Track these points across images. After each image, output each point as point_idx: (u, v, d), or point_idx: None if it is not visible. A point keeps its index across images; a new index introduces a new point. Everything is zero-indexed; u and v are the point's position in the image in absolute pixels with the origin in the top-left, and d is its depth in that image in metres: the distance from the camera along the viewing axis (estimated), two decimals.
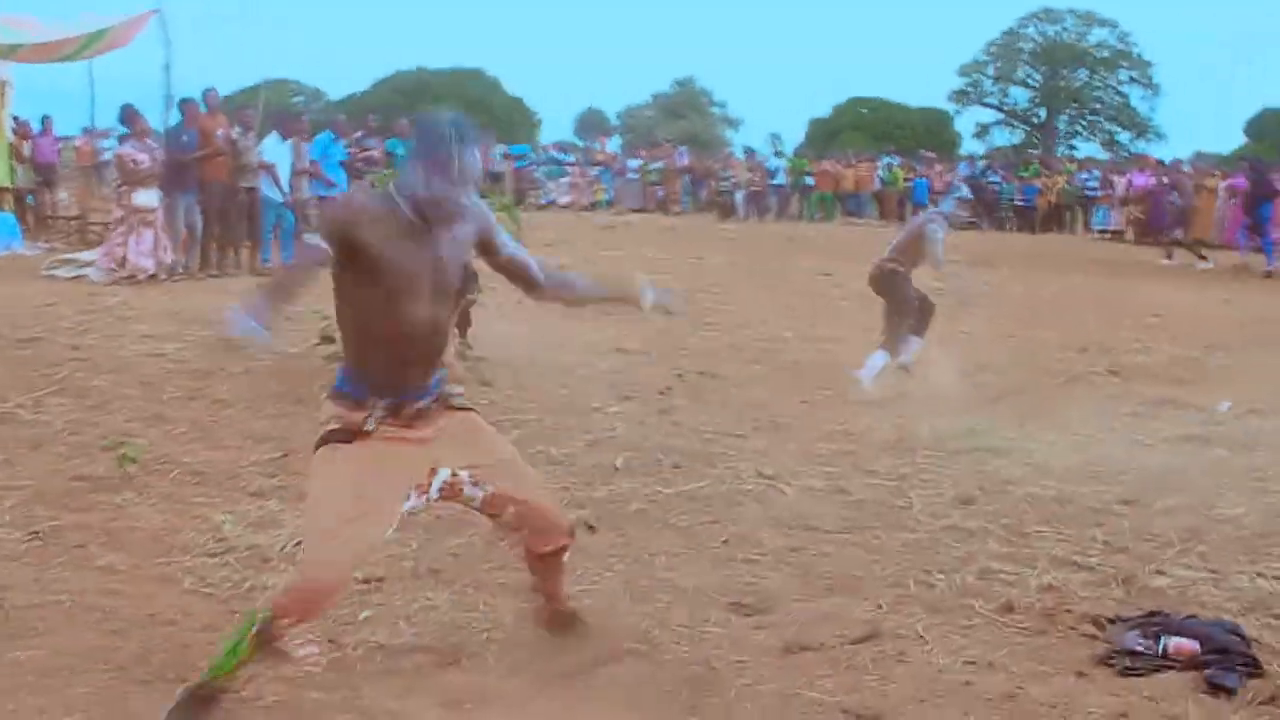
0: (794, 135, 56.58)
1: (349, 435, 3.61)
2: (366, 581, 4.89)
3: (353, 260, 3.50)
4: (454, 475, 3.75)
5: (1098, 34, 63.08)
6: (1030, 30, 64.04)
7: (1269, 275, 19.19)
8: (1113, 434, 7.65)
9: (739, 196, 30.44)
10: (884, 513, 5.98)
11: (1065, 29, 63.47)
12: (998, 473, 6.73)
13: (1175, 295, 15.91)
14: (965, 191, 10.66)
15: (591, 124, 64.74)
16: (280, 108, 20.57)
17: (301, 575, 3.57)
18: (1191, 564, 5.27)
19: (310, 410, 7.56)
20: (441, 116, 3.55)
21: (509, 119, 58.41)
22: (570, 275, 4.24)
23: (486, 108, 58.92)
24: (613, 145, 42.41)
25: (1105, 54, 62.93)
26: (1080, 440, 7.46)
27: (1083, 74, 63.30)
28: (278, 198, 14.78)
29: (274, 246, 15.09)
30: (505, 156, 30.87)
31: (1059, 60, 62.86)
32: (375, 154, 16.87)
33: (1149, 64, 62.27)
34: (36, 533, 5.33)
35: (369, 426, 3.60)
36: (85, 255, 14.40)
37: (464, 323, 8.72)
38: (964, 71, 64.77)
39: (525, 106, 62.70)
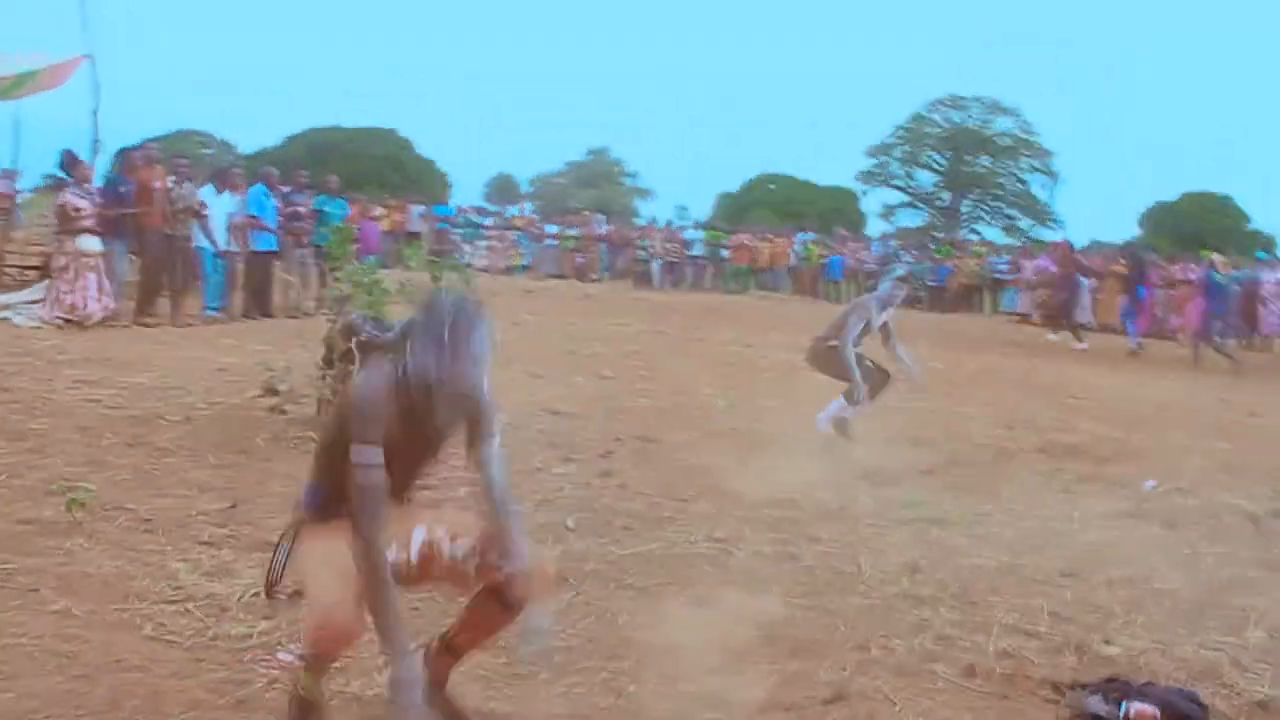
0: (703, 209, 57.40)
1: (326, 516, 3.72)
2: None
3: None
4: (429, 534, 3.82)
5: (1002, 123, 65.05)
6: (937, 116, 65.81)
7: (1134, 354, 20.43)
8: (1047, 509, 7.84)
9: (656, 266, 30.74)
10: (836, 579, 6.08)
11: (970, 116, 65.31)
12: (941, 542, 6.88)
13: (1091, 377, 16.38)
14: (902, 271, 10.91)
15: (503, 189, 64.93)
16: (194, 159, 20.61)
17: (317, 622, 3.62)
18: (1136, 634, 5.43)
19: (255, 461, 7.58)
20: (452, 296, 3.68)
21: (420, 180, 58.40)
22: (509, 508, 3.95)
23: (398, 167, 58.95)
24: (527, 211, 42.53)
25: (1008, 142, 64.85)
26: (1016, 514, 7.64)
27: (986, 160, 65.08)
28: (210, 247, 14.74)
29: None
30: (424, 217, 30.87)
31: (964, 146, 64.62)
32: (302, 209, 16.82)
33: (1049, 153, 64.30)
34: None
35: None
36: (3, 299, 14.16)
37: None
38: (872, 153, 66.28)
39: (437, 168, 62.75)
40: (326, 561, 3.65)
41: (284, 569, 3.97)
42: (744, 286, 30.83)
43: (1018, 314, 27.69)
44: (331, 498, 3.73)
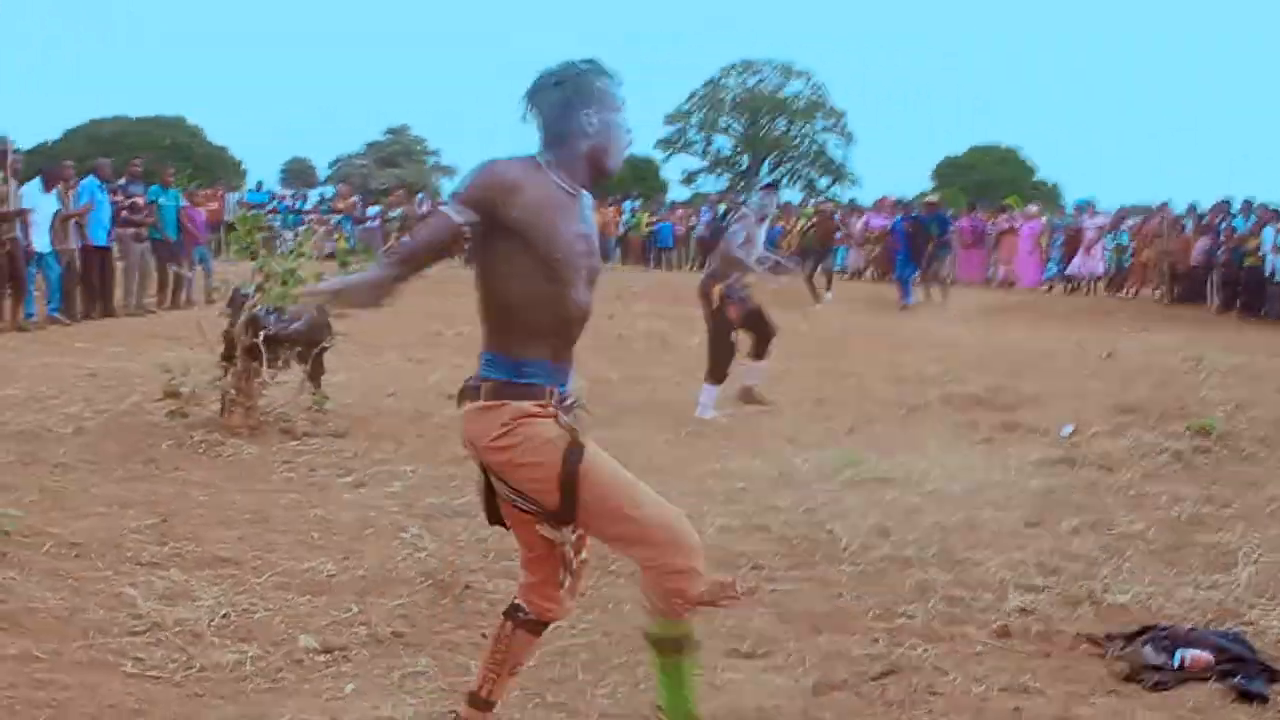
0: None
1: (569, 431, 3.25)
2: (328, 651, 4.52)
3: (507, 234, 3.16)
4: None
5: (795, 85, 66.11)
6: (731, 81, 66.55)
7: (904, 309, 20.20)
8: (981, 460, 7.87)
9: None
10: (816, 548, 5.93)
11: (764, 80, 66.25)
12: (897, 502, 6.80)
13: (945, 329, 16.66)
14: (767, 180, 10.77)
15: (299, 173, 63.25)
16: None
17: (674, 555, 3.23)
18: (1129, 580, 5.42)
19: (166, 471, 7.06)
20: (592, 67, 3.32)
21: (213, 168, 56.66)
22: None
23: (188, 156, 56.83)
24: (329, 194, 41.35)
25: (802, 104, 65.96)
26: (953, 469, 7.61)
27: (782, 123, 66.12)
28: (38, 248, 13.83)
29: (38, 299, 14.21)
30: (240, 204, 29.72)
31: (759, 109, 65.49)
32: (139, 201, 15.96)
33: (842, 113, 65.68)
34: None
35: (563, 420, 3.24)
36: None
37: (317, 371, 8.25)
38: (670, 120, 66.63)
39: (230, 155, 60.85)
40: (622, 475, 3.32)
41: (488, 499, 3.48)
42: None
43: (849, 271, 28.05)
44: (522, 358, 3.25)
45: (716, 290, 9.43)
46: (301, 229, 30.87)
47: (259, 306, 7.51)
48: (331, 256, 30.25)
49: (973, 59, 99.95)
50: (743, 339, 9.72)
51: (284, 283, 7.35)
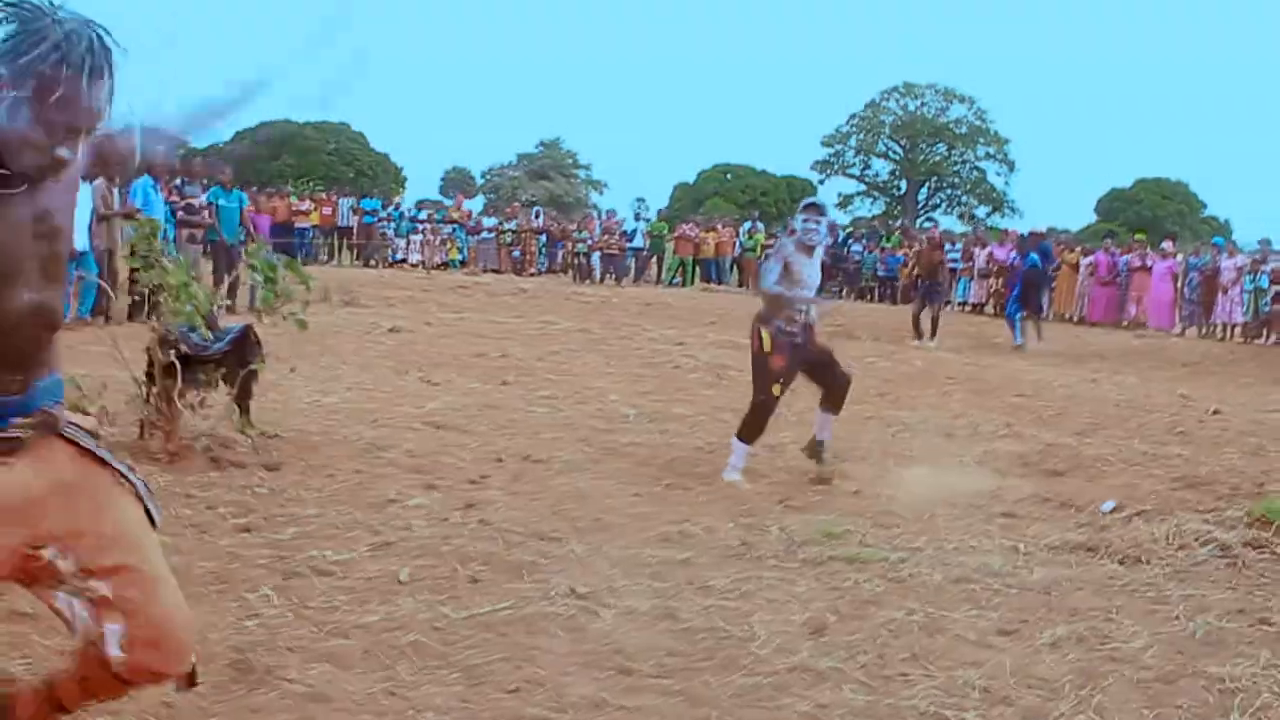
0: (660, 200, 56.62)
1: None
2: None
3: None
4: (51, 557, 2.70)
5: (957, 110, 64.74)
6: (891, 104, 65.46)
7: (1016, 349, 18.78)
8: (987, 540, 6.67)
9: (595, 259, 29.54)
10: (719, 647, 4.87)
11: (925, 104, 64.87)
12: (856, 590, 5.68)
13: (1040, 372, 15.29)
14: (808, 201, 9.15)
15: (457, 182, 63.97)
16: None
17: None
18: None
19: None
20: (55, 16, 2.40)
21: (375, 174, 57.63)
22: None
23: (351, 162, 57.86)
24: (475, 204, 41.19)
25: (963, 130, 64.41)
26: (949, 549, 6.45)
27: (941, 148, 64.62)
28: (76, 246, 13.43)
29: (72, 298, 13.79)
30: (353, 210, 29.52)
31: (919, 134, 64.21)
32: (196, 203, 15.50)
33: (1005, 140, 63.93)
34: None
35: None
36: None
37: (244, 395, 7.43)
38: (827, 142, 65.78)
39: (392, 162, 61.77)
40: None
41: None
42: (687, 279, 29.65)
43: (969, 304, 26.58)
44: None
45: (765, 334, 8.07)
46: (415, 237, 30.72)
47: (168, 325, 6.71)
48: (444, 266, 30.12)
49: (1142, 89, 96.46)
50: (810, 387, 8.50)
51: (176, 299, 6.53)
